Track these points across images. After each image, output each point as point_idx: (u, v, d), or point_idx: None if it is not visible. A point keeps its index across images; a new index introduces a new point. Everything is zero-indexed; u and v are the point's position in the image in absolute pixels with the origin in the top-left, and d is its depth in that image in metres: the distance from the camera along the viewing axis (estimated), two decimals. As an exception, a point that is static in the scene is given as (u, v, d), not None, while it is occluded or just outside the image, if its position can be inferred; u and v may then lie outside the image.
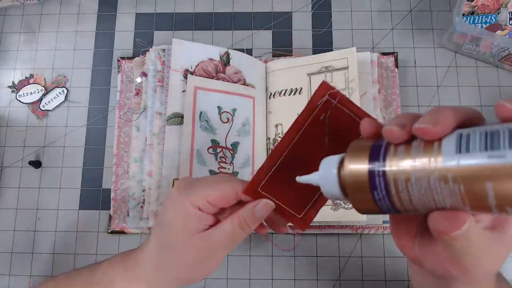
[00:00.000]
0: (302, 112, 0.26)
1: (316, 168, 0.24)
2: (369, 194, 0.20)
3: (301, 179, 0.25)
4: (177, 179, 0.49)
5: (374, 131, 0.21)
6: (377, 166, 0.19)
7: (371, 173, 0.19)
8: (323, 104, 0.26)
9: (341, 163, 0.22)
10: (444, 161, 0.17)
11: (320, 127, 0.27)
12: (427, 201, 0.18)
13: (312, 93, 0.52)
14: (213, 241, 0.29)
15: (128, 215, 0.52)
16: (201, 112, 0.51)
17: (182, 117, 0.50)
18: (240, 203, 0.30)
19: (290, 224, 0.30)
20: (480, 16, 0.53)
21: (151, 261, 0.31)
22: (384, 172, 0.19)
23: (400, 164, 0.18)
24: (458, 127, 0.18)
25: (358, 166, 0.20)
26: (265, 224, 0.34)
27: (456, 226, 0.18)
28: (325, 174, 0.22)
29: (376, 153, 0.20)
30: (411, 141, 0.19)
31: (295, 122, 0.26)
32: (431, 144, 0.18)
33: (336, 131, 0.27)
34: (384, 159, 0.19)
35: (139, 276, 0.32)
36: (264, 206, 0.28)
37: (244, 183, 0.29)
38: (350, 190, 0.21)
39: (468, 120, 0.19)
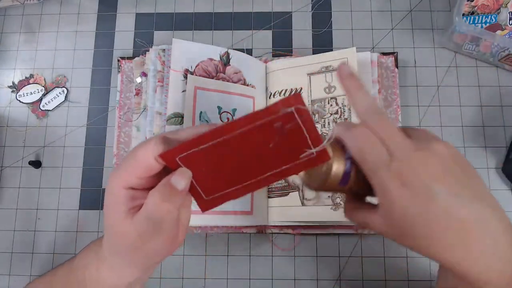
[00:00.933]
0: (262, 110, 0.24)
1: (242, 171, 0.27)
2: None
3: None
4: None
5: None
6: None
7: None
8: (284, 114, 0.24)
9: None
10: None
11: (268, 133, 0.25)
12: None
13: (312, 93, 0.53)
14: (143, 218, 0.26)
15: (128, 215, 0.52)
16: (201, 112, 0.51)
17: (182, 117, 0.50)
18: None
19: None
20: (480, 16, 0.53)
21: (104, 246, 0.30)
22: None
23: None
24: None
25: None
26: None
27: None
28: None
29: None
30: None
31: (250, 115, 0.24)
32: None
33: (284, 142, 0.26)
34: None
35: (103, 260, 0.31)
36: (180, 174, 0.26)
37: (167, 144, 0.26)
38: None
39: None
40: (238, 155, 0.26)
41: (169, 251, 0.29)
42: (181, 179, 0.26)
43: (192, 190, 0.28)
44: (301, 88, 0.53)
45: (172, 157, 0.25)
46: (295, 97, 0.24)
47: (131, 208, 0.27)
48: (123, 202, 0.27)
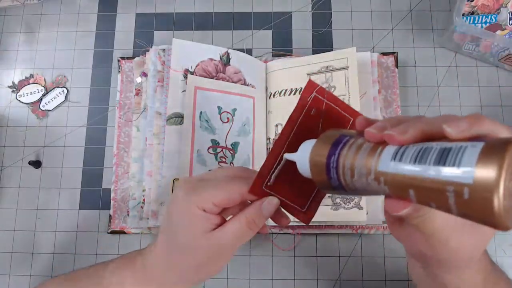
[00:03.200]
0: (294, 109, 0.29)
1: None
2: (326, 177, 0.24)
3: (286, 156, 0.28)
4: (177, 179, 0.49)
5: (364, 127, 0.23)
6: (332, 161, 0.23)
7: (327, 163, 0.23)
8: (312, 100, 0.29)
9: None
10: (379, 165, 0.20)
11: (312, 121, 0.29)
12: (371, 191, 0.22)
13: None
14: (221, 241, 0.29)
15: (128, 215, 0.52)
16: (201, 112, 0.51)
17: (182, 117, 0.50)
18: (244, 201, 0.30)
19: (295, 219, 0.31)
20: (480, 16, 0.53)
21: (160, 263, 0.32)
22: (336, 165, 0.23)
23: (347, 161, 0.22)
24: (422, 140, 0.20)
25: (320, 154, 0.24)
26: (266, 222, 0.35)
27: (397, 210, 0.21)
28: (301, 155, 0.26)
29: (336, 146, 0.23)
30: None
31: (289, 119, 0.29)
32: (376, 147, 0.21)
33: (326, 123, 0.30)
34: (340, 153, 0.23)
35: (149, 279, 0.32)
36: (269, 203, 0.29)
37: (248, 181, 0.29)
38: (313, 170, 0.25)
39: (436, 135, 0.20)
40: None
41: (219, 271, 0.32)
42: (270, 206, 0.29)
43: (289, 210, 0.30)
44: (301, 88, 0.53)
45: (259, 188, 0.29)
46: (309, 83, 0.28)
47: (206, 229, 0.29)
48: (201, 222, 0.29)
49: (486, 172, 0.16)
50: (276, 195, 0.29)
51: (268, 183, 0.29)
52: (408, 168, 0.19)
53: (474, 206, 0.16)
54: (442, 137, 0.19)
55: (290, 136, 0.29)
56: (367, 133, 0.22)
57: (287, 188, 0.30)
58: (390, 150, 0.20)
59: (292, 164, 0.28)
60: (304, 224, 0.49)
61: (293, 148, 0.29)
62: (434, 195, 0.18)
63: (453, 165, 0.17)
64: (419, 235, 0.25)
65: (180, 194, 0.30)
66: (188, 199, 0.29)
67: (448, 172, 0.17)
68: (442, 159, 0.17)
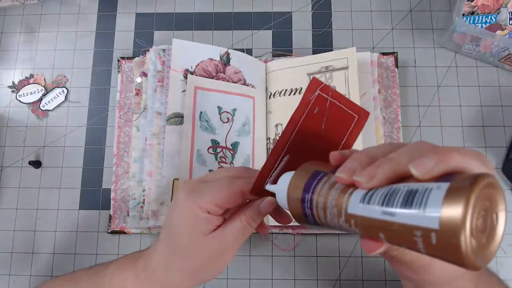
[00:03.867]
0: (297, 108, 0.28)
1: (315, 158, 0.28)
2: (302, 214, 0.24)
3: (267, 187, 0.29)
4: (177, 179, 0.49)
5: (338, 163, 0.24)
6: (306, 200, 0.24)
7: (302, 201, 0.24)
8: (315, 99, 0.29)
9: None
10: (349, 207, 0.21)
11: (315, 120, 0.29)
12: (345, 231, 0.22)
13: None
14: (223, 240, 0.30)
15: (128, 215, 0.52)
16: (201, 112, 0.51)
17: (182, 117, 0.50)
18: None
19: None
20: (480, 16, 0.53)
21: (162, 265, 0.32)
22: (310, 204, 0.23)
23: (320, 201, 0.23)
24: (390, 182, 0.20)
25: (296, 190, 0.24)
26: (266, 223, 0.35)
27: (371, 250, 0.21)
28: (279, 188, 0.27)
29: (310, 183, 0.24)
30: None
31: (291, 118, 0.28)
32: (347, 188, 0.21)
33: (330, 121, 0.30)
34: (313, 192, 0.23)
35: (151, 280, 0.32)
36: (267, 202, 0.30)
37: (248, 182, 0.29)
38: (290, 205, 0.25)
39: (405, 175, 0.20)
40: (304, 155, 0.29)
41: (221, 272, 0.33)
42: (268, 205, 0.30)
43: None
44: (301, 88, 0.53)
45: (260, 188, 0.29)
46: (313, 81, 0.28)
47: (207, 230, 0.30)
48: (203, 224, 0.30)
49: (451, 214, 0.16)
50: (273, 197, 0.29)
51: (269, 183, 0.29)
52: (376, 212, 0.19)
53: (442, 249, 0.16)
54: (411, 177, 0.19)
55: (292, 136, 0.29)
56: (337, 177, 0.22)
57: None
58: (360, 192, 0.20)
59: (291, 164, 0.29)
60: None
61: (295, 149, 0.29)
62: (403, 238, 0.18)
63: (419, 208, 0.17)
64: (401, 264, 0.26)
65: (181, 197, 0.30)
66: (190, 201, 0.30)
67: (414, 216, 0.17)
68: (409, 202, 0.17)
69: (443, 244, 0.16)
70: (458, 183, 0.16)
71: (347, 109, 0.30)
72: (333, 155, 0.24)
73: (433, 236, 0.16)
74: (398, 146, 0.22)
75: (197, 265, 0.31)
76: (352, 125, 0.30)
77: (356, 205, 0.20)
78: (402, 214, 0.18)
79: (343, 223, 0.21)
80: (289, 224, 0.50)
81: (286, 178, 0.26)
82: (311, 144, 0.30)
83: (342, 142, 0.30)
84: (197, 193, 0.30)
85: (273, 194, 0.29)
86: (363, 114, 0.31)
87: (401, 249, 0.23)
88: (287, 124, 0.28)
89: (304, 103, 0.28)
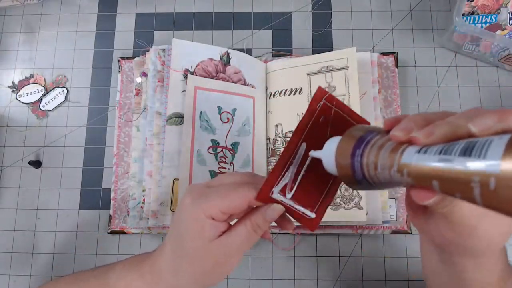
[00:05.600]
0: (304, 116, 0.29)
1: (318, 166, 0.28)
2: (351, 173, 0.24)
3: (312, 153, 0.29)
4: (177, 179, 0.49)
5: (391, 127, 0.23)
6: (356, 155, 0.24)
7: (352, 158, 0.24)
8: (321, 108, 0.29)
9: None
10: (403, 158, 0.20)
11: (320, 129, 0.30)
12: (394, 183, 0.22)
13: (312, 93, 0.53)
14: (229, 246, 0.30)
15: (128, 215, 0.52)
16: (201, 112, 0.51)
17: (182, 117, 0.50)
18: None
19: (297, 223, 0.32)
20: (480, 16, 0.53)
21: (168, 268, 0.32)
22: (360, 159, 0.23)
23: (371, 155, 0.23)
24: (447, 141, 0.20)
25: (345, 149, 0.24)
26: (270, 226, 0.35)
27: (423, 199, 0.21)
28: (326, 151, 0.27)
29: (359, 143, 0.24)
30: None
31: (298, 126, 0.29)
32: (400, 146, 0.21)
33: (333, 130, 0.30)
34: (363, 150, 0.23)
35: (157, 282, 0.33)
36: (274, 210, 0.30)
37: (255, 187, 0.30)
38: (338, 168, 0.25)
39: (463, 135, 0.20)
40: (313, 162, 0.29)
41: (226, 276, 0.33)
42: (274, 212, 0.30)
43: (295, 217, 0.30)
44: (301, 88, 0.53)
45: (266, 196, 0.29)
46: (319, 90, 0.29)
47: (213, 236, 0.30)
48: (208, 230, 0.30)
49: None
50: (282, 202, 0.29)
51: (275, 190, 0.29)
52: (433, 160, 0.19)
53: (500, 196, 0.16)
54: (469, 136, 0.19)
55: (299, 144, 0.29)
56: (392, 136, 0.21)
57: (296, 192, 0.30)
58: (414, 147, 0.20)
59: (298, 171, 0.29)
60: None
61: (303, 156, 0.30)
62: (458, 186, 0.18)
63: (479, 156, 0.17)
64: (446, 224, 0.25)
65: (188, 202, 0.30)
66: (196, 207, 0.30)
67: (474, 162, 0.17)
68: (468, 151, 0.17)
69: (502, 189, 0.16)
70: None
71: (349, 118, 0.30)
72: (386, 120, 0.24)
73: (492, 181, 0.16)
74: (453, 113, 0.22)
75: (202, 270, 0.31)
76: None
77: (411, 155, 0.20)
78: (461, 160, 0.17)
79: (395, 173, 0.21)
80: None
81: (333, 141, 0.26)
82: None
83: None
84: (202, 199, 0.30)
85: (278, 202, 0.29)
86: (365, 124, 0.31)
87: (451, 205, 0.23)
88: (294, 132, 0.29)
89: (310, 112, 0.29)
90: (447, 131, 0.20)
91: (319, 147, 0.29)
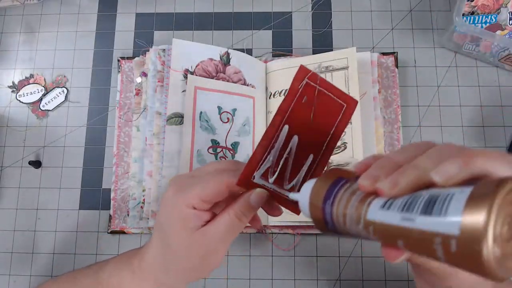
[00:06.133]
0: (285, 98, 0.28)
1: (304, 147, 0.28)
2: (323, 221, 0.24)
3: (291, 196, 0.28)
4: (177, 179, 0.49)
5: (362, 172, 0.23)
6: (327, 205, 0.23)
7: (323, 210, 0.24)
8: (303, 88, 0.28)
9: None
10: (368, 214, 0.20)
11: (303, 110, 0.28)
12: (365, 238, 0.22)
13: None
14: (212, 236, 0.29)
15: (128, 215, 0.52)
16: (201, 112, 0.51)
17: (182, 117, 0.50)
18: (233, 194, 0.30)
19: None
20: (480, 16, 0.53)
21: (156, 262, 0.32)
22: (331, 211, 0.23)
23: (340, 207, 0.22)
24: (413, 190, 0.20)
25: (318, 197, 0.24)
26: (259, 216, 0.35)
27: (393, 258, 0.21)
28: (302, 196, 0.26)
29: (332, 190, 0.23)
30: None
31: (279, 109, 0.28)
32: (368, 196, 0.21)
33: (318, 110, 0.29)
34: (335, 196, 0.23)
35: (147, 279, 0.32)
36: (258, 195, 0.29)
37: (235, 174, 0.29)
38: (311, 213, 0.25)
39: (428, 182, 0.19)
40: (297, 147, 0.29)
41: (215, 267, 0.32)
42: (258, 198, 0.29)
43: (278, 201, 0.30)
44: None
45: (247, 180, 0.28)
46: (300, 69, 0.27)
47: (196, 226, 0.29)
48: (191, 220, 0.29)
49: (473, 220, 0.15)
50: (265, 186, 0.29)
51: (257, 175, 0.29)
52: (396, 218, 0.18)
53: (462, 257, 0.15)
54: (435, 184, 0.19)
55: (280, 127, 0.28)
56: (359, 185, 0.21)
57: (278, 179, 0.29)
58: (381, 199, 0.20)
59: (280, 155, 0.28)
60: (303, 224, 0.49)
61: (283, 141, 0.28)
62: (422, 246, 0.17)
63: (439, 214, 0.16)
64: (427, 271, 0.25)
65: (169, 195, 0.30)
66: (177, 198, 0.29)
67: (434, 222, 0.16)
68: (429, 208, 0.17)
69: (464, 251, 0.15)
70: (481, 188, 0.16)
71: (335, 97, 0.29)
72: (357, 164, 0.24)
73: (453, 243, 0.15)
74: (423, 149, 0.21)
75: (188, 262, 0.30)
76: (341, 114, 0.30)
77: (375, 212, 0.20)
78: (422, 220, 0.17)
79: (362, 229, 0.21)
80: (289, 224, 0.50)
81: (308, 186, 0.26)
82: (300, 134, 0.29)
83: (332, 131, 0.30)
84: (184, 190, 0.29)
85: (261, 186, 0.29)
86: (352, 103, 0.30)
87: (422, 259, 0.23)
88: (275, 115, 0.28)
89: (292, 93, 0.28)
90: (412, 180, 0.19)
91: (303, 129, 0.29)
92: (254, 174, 0.28)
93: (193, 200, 0.29)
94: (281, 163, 0.29)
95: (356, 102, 0.30)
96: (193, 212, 0.29)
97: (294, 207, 0.29)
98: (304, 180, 0.30)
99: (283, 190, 0.30)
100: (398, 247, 0.19)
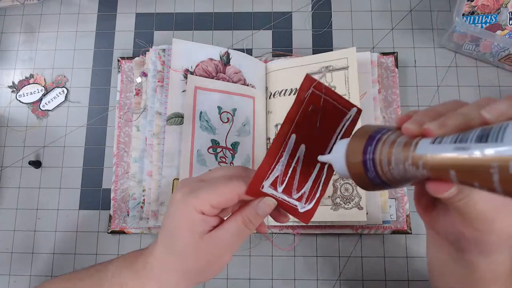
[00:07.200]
0: (292, 107, 0.28)
1: (311, 156, 0.28)
2: (363, 172, 0.24)
3: (320, 158, 0.28)
4: (177, 179, 0.49)
5: (402, 124, 0.23)
6: (368, 152, 0.23)
7: (364, 156, 0.23)
8: (309, 97, 0.28)
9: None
10: (418, 149, 0.20)
11: (310, 118, 0.29)
12: (409, 178, 0.22)
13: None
14: (219, 241, 0.30)
15: (128, 215, 0.52)
16: (201, 112, 0.51)
17: (182, 117, 0.50)
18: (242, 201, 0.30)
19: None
20: (480, 16, 0.53)
21: (160, 264, 0.32)
22: (373, 156, 0.23)
23: (384, 152, 0.22)
24: (460, 131, 0.19)
25: (357, 148, 0.24)
26: (265, 222, 0.35)
27: (440, 191, 0.20)
28: (335, 156, 0.26)
29: (370, 141, 0.23)
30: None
31: (286, 117, 0.28)
32: (412, 140, 0.21)
33: (324, 118, 0.29)
34: (375, 147, 0.23)
35: (150, 278, 0.32)
36: (266, 204, 0.29)
37: (245, 181, 0.29)
38: (350, 168, 0.25)
39: (475, 124, 0.20)
40: (304, 156, 0.29)
41: (220, 271, 0.32)
42: (266, 206, 0.29)
43: (287, 210, 0.30)
44: (301, 88, 0.53)
45: (256, 189, 0.29)
46: (306, 78, 0.28)
47: (203, 231, 0.30)
48: (198, 225, 0.29)
49: None
50: (274, 195, 0.29)
51: (266, 184, 0.29)
52: (448, 149, 0.18)
53: None
54: (482, 124, 0.19)
55: (288, 136, 0.29)
56: (404, 129, 0.21)
57: (286, 188, 0.29)
58: (427, 139, 0.20)
59: (289, 163, 0.29)
60: (304, 224, 0.49)
61: (291, 149, 0.29)
62: (477, 174, 0.17)
63: (496, 141, 0.16)
64: (461, 218, 0.24)
65: (178, 197, 0.30)
66: (186, 202, 0.29)
67: (491, 148, 0.16)
68: (484, 137, 0.17)
69: None
70: None
71: (340, 106, 0.30)
72: (398, 117, 0.24)
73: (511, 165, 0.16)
74: (463, 102, 0.21)
75: (194, 266, 0.31)
76: (348, 122, 0.30)
77: (425, 147, 0.20)
78: (477, 147, 0.17)
79: (410, 166, 0.20)
80: (289, 224, 0.50)
81: (342, 143, 0.26)
82: (307, 143, 0.29)
83: (338, 139, 0.30)
84: (193, 194, 0.30)
85: (269, 195, 0.29)
86: (356, 111, 0.30)
87: (467, 198, 0.22)
88: (282, 124, 0.28)
89: (298, 102, 0.28)
90: (460, 122, 0.19)
91: (309, 138, 0.29)
92: (263, 183, 0.29)
93: (202, 205, 0.29)
94: (289, 172, 0.29)
95: (360, 110, 0.31)
96: (202, 217, 0.29)
97: (303, 216, 0.30)
98: (312, 189, 0.30)
99: (292, 199, 0.30)
100: (448, 179, 0.19)
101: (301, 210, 0.30)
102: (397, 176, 0.22)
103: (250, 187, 0.28)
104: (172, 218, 0.31)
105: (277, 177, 0.29)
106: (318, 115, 0.29)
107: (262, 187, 0.29)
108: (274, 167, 0.29)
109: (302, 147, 0.29)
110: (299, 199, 0.30)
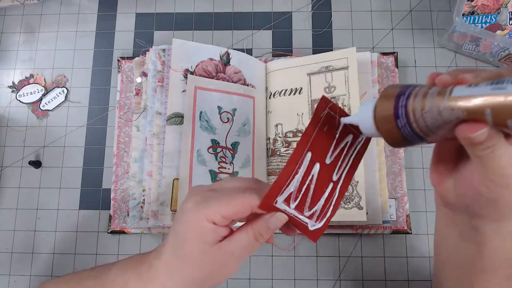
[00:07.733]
0: (308, 126, 0.29)
1: (324, 175, 0.29)
2: (394, 125, 0.24)
3: (344, 120, 0.29)
4: (177, 179, 0.49)
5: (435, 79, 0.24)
6: (400, 101, 0.23)
7: (395, 104, 0.23)
8: (324, 117, 0.29)
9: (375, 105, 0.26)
10: (454, 93, 0.21)
11: (325, 138, 0.30)
12: (442, 123, 0.22)
13: (312, 93, 0.53)
14: (229, 252, 0.30)
15: (128, 215, 0.52)
16: (201, 112, 0.51)
17: (182, 117, 0.50)
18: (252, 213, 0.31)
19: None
20: (480, 16, 0.53)
21: (166, 268, 0.32)
22: (405, 103, 0.23)
23: (417, 99, 0.22)
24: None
25: (387, 102, 0.24)
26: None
27: (472, 130, 0.21)
28: (362, 115, 0.26)
29: (402, 93, 0.24)
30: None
31: (303, 135, 0.29)
32: (445, 89, 0.21)
33: (339, 139, 0.30)
34: (407, 98, 0.23)
35: (154, 281, 0.33)
36: (278, 219, 0.29)
37: (259, 194, 0.29)
38: (379, 123, 0.25)
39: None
40: (318, 174, 0.30)
41: (223, 281, 0.33)
42: (278, 221, 0.29)
43: (297, 226, 0.30)
44: (301, 88, 0.53)
45: (269, 204, 0.29)
46: (322, 99, 0.29)
47: (213, 241, 0.30)
48: (209, 234, 0.30)
49: None
50: (286, 211, 0.29)
51: (279, 199, 0.29)
52: (485, 90, 0.19)
53: None
54: None
55: (305, 152, 0.29)
56: (439, 79, 0.22)
57: (298, 205, 0.30)
58: (462, 86, 0.21)
59: (304, 180, 0.29)
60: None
61: (308, 166, 0.30)
62: None
63: None
64: (481, 172, 0.24)
65: (190, 205, 0.30)
66: (198, 211, 0.30)
67: None
68: None
69: None
70: None
71: (352, 128, 0.30)
72: (430, 74, 0.24)
73: None
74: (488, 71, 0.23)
75: (200, 274, 0.31)
76: (360, 144, 0.31)
77: (461, 89, 0.20)
78: None
79: (445, 109, 0.21)
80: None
81: (368, 104, 0.26)
82: (321, 162, 0.30)
83: (350, 160, 0.31)
84: (205, 203, 0.30)
85: (282, 211, 0.29)
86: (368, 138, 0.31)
87: (493, 147, 0.22)
88: (299, 142, 0.29)
89: (314, 121, 0.29)
90: (492, 73, 0.20)
91: (323, 157, 0.30)
92: (277, 198, 0.29)
93: (214, 216, 0.29)
94: (303, 189, 0.30)
95: (370, 138, 0.31)
96: (212, 227, 0.29)
97: (312, 234, 0.30)
98: (323, 208, 0.31)
99: (303, 216, 0.30)
100: (483, 119, 0.20)
101: (311, 228, 0.30)
102: (429, 123, 0.22)
103: (264, 201, 0.29)
104: (183, 225, 0.31)
105: (291, 193, 0.29)
106: (334, 134, 0.30)
107: (276, 202, 0.29)
108: (289, 183, 0.29)
109: (317, 166, 0.30)
110: (310, 217, 0.30)
